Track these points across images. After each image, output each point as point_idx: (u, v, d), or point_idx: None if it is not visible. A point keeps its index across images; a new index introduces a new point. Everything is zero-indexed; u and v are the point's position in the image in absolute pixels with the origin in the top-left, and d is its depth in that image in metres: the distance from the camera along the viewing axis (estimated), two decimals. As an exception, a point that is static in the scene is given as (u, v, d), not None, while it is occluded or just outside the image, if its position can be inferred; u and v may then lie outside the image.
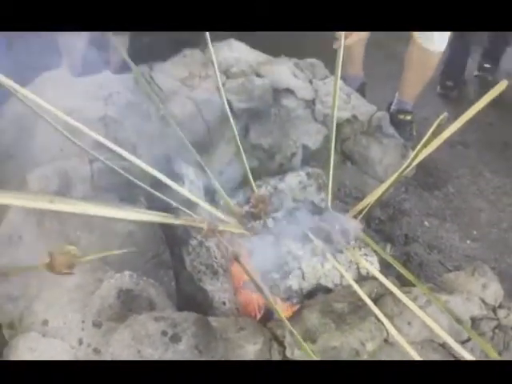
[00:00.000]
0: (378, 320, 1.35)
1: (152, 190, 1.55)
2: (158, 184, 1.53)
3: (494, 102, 1.40)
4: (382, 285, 1.45)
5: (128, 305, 1.37)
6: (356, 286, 1.42)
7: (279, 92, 2.16)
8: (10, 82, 1.31)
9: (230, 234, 1.59)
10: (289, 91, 2.18)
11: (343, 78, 2.24)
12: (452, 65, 3.15)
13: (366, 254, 1.65)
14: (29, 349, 1.27)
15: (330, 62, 2.01)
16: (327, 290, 1.56)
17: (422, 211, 2.31)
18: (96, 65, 1.92)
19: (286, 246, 1.60)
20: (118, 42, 1.92)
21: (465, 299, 1.44)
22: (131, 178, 1.54)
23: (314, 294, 1.55)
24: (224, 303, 1.60)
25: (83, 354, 1.26)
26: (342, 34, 1.79)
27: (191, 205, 1.55)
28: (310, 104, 2.20)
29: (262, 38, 2.18)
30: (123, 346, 1.23)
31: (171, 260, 1.64)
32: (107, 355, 1.24)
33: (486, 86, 3.12)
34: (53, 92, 1.70)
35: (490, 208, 2.44)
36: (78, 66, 1.96)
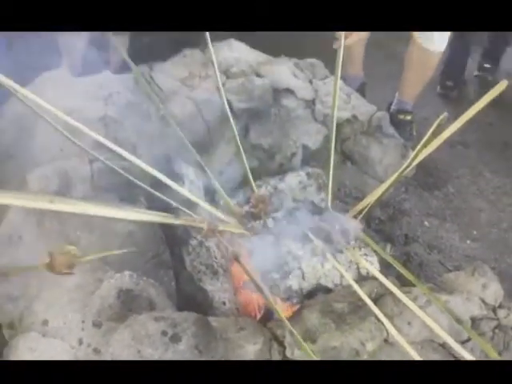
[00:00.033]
0: (378, 320, 1.35)
1: (152, 190, 1.55)
2: (158, 184, 1.53)
3: (494, 102, 1.39)
4: (381, 285, 1.45)
5: (128, 305, 1.37)
6: (356, 286, 1.42)
7: (279, 92, 2.16)
8: (10, 82, 1.31)
9: (230, 234, 1.59)
10: (289, 91, 2.18)
11: (343, 78, 2.24)
12: (452, 65, 3.15)
13: (366, 254, 1.65)
14: (29, 349, 1.27)
15: (329, 62, 2.01)
16: (327, 290, 1.56)
17: (422, 211, 2.31)
18: (96, 65, 1.92)
19: (286, 246, 1.60)
20: (118, 42, 1.92)
21: (465, 299, 1.44)
22: (131, 178, 1.54)
23: (313, 294, 1.55)
24: (224, 303, 1.60)
25: (83, 354, 1.26)
26: (342, 34, 1.79)
27: (191, 205, 1.55)
28: (310, 104, 2.20)
29: (262, 38, 2.18)
30: (123, 346, 1.23)
31: (171, 260, 1.64)
32: (107, 355, 1.24)
33: (486, 86, 3.13)
34: (53, 92, 1.70)
35: (490, 208, 2.44)
36: (78, 66, 1.96)
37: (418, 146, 1.27)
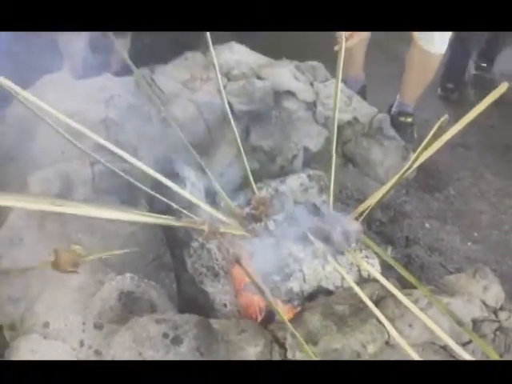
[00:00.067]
0: (379, 322, 1.35)
1: (153, 192, 1.55)
2: (158, 186, 1.53)
3: (496, 104, 1.39)
4: (383, 287, 1.45)
5: (129, 307, 1.37)
6: (357, 288, 1.42)
7: (280, 94, 2.16)
8: (11, 85, 1.32)
9: (231, 236, 1.59)
10: (290, 93, 2.18)
11: (344, 81, 2.24)
12: (453, 67, 3.15)
13: (367, 256, 1.65)
14: (30, 350, 1.27)
15: (330, 65, 2.02)
16: (328, 292, 1.56)
17: (423, 213, 2.31)
18: (97, 67, 1.93)
19: (287, 248, 1.60)
20: (120, 44, 1.92)
21: (466, 301, 1.44)
22: (132, 180, 1.54)
23: (315, 296, 1.55)
24: (225, 305, 1.60)
25: (84, 356, 1.26)
26: (343, 36, 1.79)
27: (192, 207, 1.55)
28: (311, 106, 2.20)
29: (262, 40, 2.19)
30: (124, 348, 1.23)
31: (172, 262, 1.64)
32: (108, 357, 1.24)
33: (483, 84, 3.15)
34: (54, 94, 1.70)
35: (491, 210, 2.43)
36: (79, 68, 1.97)
37: (419, 148, 1.27)
